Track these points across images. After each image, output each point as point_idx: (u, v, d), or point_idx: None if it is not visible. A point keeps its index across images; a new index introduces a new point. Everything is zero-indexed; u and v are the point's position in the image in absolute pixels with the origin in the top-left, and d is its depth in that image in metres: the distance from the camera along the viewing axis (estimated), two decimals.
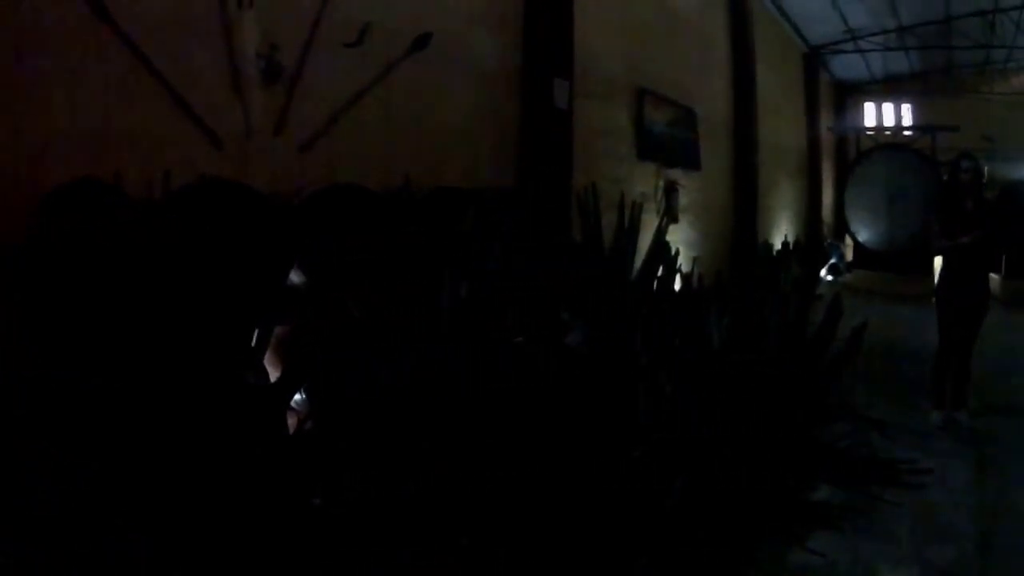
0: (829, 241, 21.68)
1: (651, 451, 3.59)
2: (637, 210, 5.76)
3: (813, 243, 20.68)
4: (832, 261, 20.27)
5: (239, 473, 3.05)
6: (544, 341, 4.11)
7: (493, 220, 6.15)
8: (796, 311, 4.76)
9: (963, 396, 7.32)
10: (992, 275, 17.50)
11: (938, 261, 7.87)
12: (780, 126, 18.76)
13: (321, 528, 3.14)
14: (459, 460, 3.46)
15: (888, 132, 23.64)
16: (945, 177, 7.55)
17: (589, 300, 4.67)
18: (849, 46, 21.51)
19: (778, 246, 17.56)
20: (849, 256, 21.09)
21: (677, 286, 5.87)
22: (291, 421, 3.63)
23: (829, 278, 19.72)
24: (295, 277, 4.51)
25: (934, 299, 7.61)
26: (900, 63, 23.68)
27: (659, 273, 5.56)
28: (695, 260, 8.13)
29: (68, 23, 4.29)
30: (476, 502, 3.38)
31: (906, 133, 22.88)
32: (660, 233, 5.71)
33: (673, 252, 5.92)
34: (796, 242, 18.72)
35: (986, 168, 20.03)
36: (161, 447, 2.94)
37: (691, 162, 12.93)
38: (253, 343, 3.73)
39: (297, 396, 3.80)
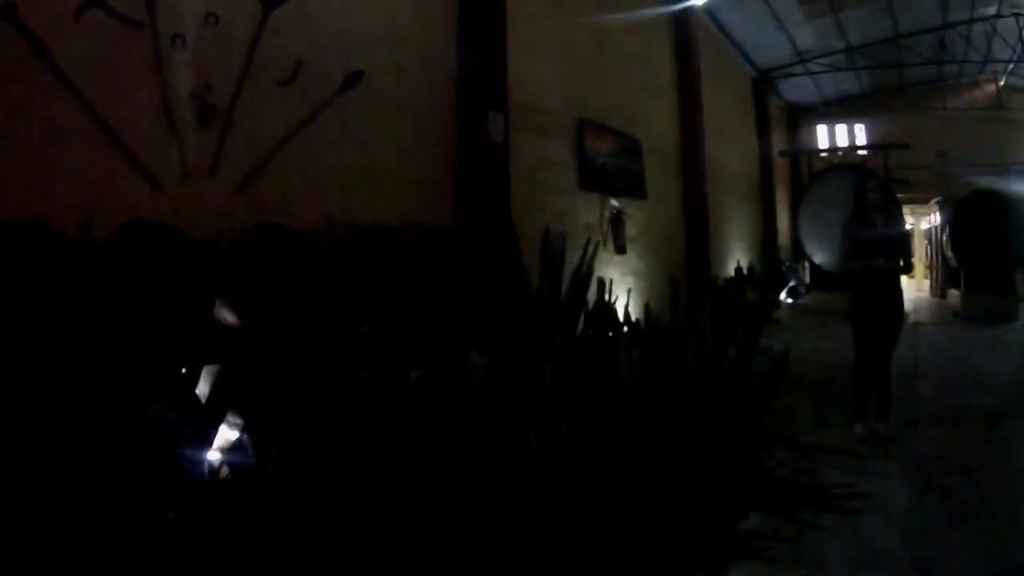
0: (787, 264, 21.65)
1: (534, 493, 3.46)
2: (560, 240, 5.61)
3: (769, 268, 20.60)
4: (791, 284, 20.25)
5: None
6: (439, 378, 4.05)
7: (419, 258, 6.10)
8: (714, 340, 4.60)
9: (886, 409, 7.34)
10: (952, 291, 17.63)
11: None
12: (731, 152, 18.78)
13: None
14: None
15: (841, 153, 23.79)
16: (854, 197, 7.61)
17: (498, 337, 4.58)
18: (799, 69, 21.61)
19: (732, 273, 17.45)
20: (808, 278, 21.12)
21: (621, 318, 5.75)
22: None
23: (789, 301, 19.70)
24: (228, 317, 4.47)
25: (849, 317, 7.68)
26: (851, 83, 23.96)
27: (585, 306, 5.45)
28: (629, 292, 7.95)
29: (6, 61, 4.32)
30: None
31: (859, 152, 23.06)
32: (582, 264, 5.56)
33: (608, 283, 5.80)
34: (750, 268, 18.62)
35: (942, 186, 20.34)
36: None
37: (637, 191, 12.82)
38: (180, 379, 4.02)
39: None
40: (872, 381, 7.38)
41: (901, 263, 7.47)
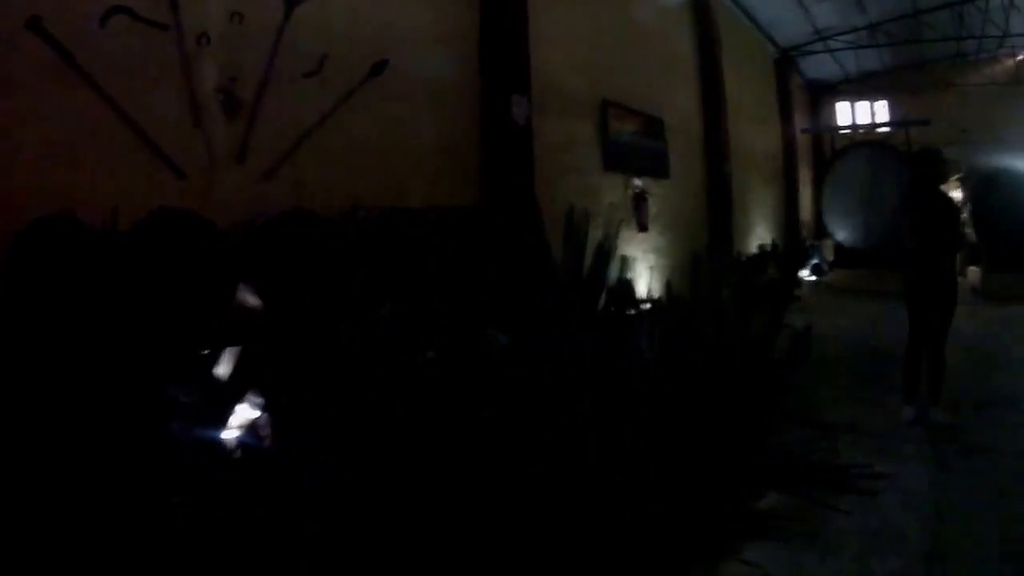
0: (810, 242, 21.65)
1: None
2: (581, 218, 5.72)
3: (792, 246, 20.61)
4: (814, 262, 20.25)
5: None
6: (457, 356, 4.11)
7: (441, 239, 6.22)
8: (736, 318, 4.65)
9: (937, 392, 7.11)
10: (972, 268, 17.54)
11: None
12: (753, 130, 18.77)
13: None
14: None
15: (862, 130, 23.68)
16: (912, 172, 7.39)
17: (520, 313, 4.65)
18: (819, 46, 21.53)
19: (755, 250, 17.51)
20: (831, 256, 21.09)
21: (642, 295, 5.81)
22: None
23: (812, 278, 19.71)
24: (251, 300, 4.60)
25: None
26: (872, 60, 23.78)
27: (606, 283, 5.54)
28: (651, 269, 8.06)
29: (36, 68, 4.50)
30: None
31: (880, 130, 22.93)
32: (603, 242, 5.65)
33: (631, 261, 5.90)
34: (773, 245, 18.66)
35: (962, 162, 20.23)
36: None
37: (660, 170, 12.96)
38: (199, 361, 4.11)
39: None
40: (924, 360, 7.17)
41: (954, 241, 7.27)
